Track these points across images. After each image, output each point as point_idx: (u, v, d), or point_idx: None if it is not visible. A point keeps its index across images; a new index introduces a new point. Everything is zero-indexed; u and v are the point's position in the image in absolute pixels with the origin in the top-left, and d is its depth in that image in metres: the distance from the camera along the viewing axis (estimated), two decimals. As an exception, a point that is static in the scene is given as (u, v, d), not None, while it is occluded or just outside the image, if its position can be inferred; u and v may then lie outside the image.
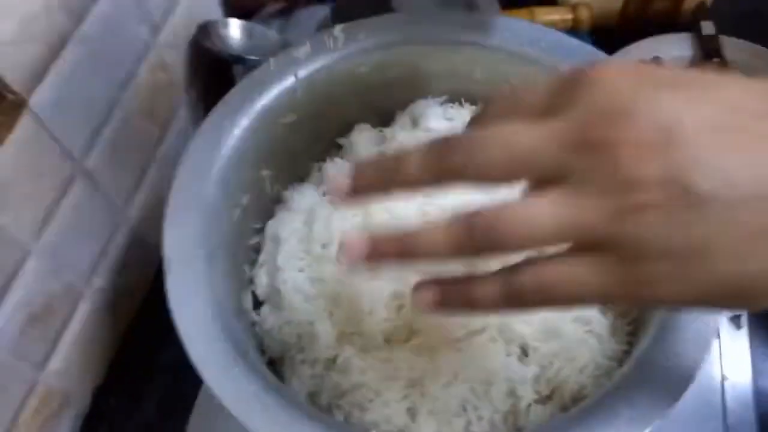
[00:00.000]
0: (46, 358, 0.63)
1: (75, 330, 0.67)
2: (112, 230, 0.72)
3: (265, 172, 0.68)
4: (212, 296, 0.53)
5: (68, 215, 0.63)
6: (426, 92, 0.75)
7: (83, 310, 0.68)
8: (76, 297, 0.67)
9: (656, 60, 0.93)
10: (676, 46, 0.95)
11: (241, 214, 0.64)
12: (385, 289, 0.58)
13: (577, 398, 0.54)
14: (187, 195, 0.58)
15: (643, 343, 0.50)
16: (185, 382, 0.69)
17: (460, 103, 0.75)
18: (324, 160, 0.75)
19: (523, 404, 0.54)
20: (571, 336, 0.55)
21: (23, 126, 0.55)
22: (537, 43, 0.68)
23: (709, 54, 0.93)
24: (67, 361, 0.66)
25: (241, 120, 0.64)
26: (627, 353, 0.54)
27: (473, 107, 0.75)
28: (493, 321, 0.57)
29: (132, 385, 0.74)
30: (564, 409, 0.54)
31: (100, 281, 0.71)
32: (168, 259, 0.54)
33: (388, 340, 0.57)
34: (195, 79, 0.86)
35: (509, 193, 0.32)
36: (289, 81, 0.67)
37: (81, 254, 0.67)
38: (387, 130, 0.75)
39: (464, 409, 0.54)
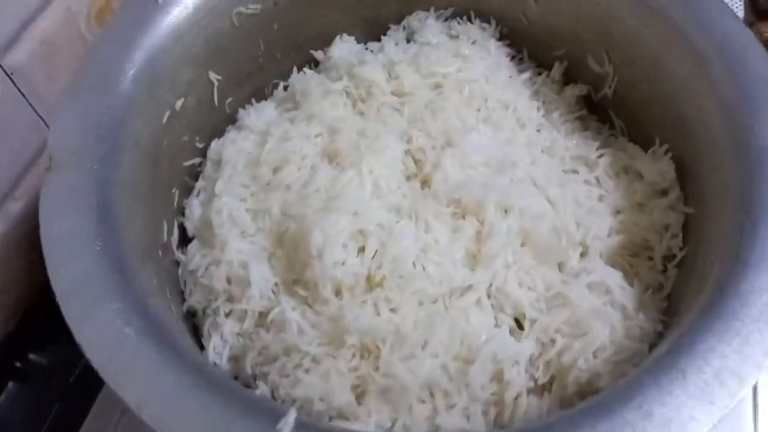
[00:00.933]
0: None
1: None
2: (38, 149, 0.58)
3: (212, 76, 0.54)
4: (101, 211, 0.39)
5: None
6: (427, 2, 0.60)
7: None
8: None
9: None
10: None
11: (173, 119, 0.50)
12: (344, 223, 0.44)
13: (585, 391, 0.39)
14: (94, 79, 0.44)
15: (686, 323, 0.36)
16: None
17: (469, 19, 0.60)
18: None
19: (511, 393, 0.39)
20: (584, 306, 0.41)
21: None
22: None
23: None
24: None
25: (183, -2, 0.50)
26: (661, 336, 0.40)
27: (485, 25, 0.60)
28: (481, 279, 0.43)
29: (53, 337, 0.59)
30: (566, 404, 0.40)
31: (16, 206, 0.57)
32: (52, 154, 0.40)
33: (339, 293, 0.43)
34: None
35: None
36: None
37: None
38: (374, 45, 0.61)
39: (430, 393, 0.40)
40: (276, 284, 0.46)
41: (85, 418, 0.54)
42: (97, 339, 0.33)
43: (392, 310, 0.42)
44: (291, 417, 0.31)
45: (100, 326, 0.34)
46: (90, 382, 0.56)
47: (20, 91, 0.54)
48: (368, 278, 0.43)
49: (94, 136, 0.42)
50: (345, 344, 0.40)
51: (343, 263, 0.43)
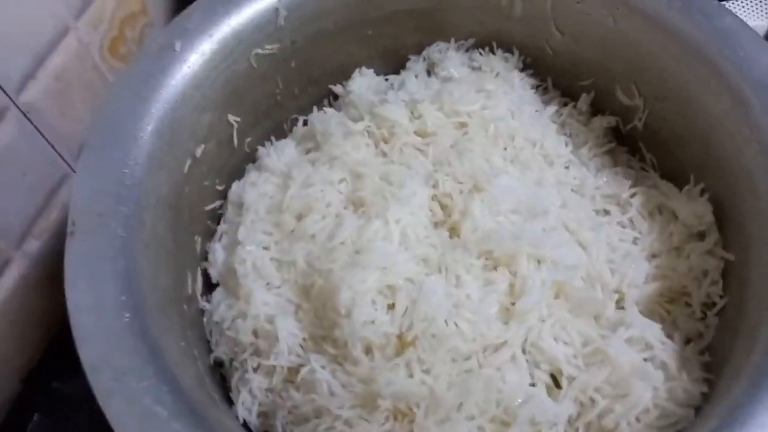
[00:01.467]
0: None
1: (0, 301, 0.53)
2: (55, 185, 0.57)
3: (231, 119, 0.53)
4: (126, 276, 0.38)
5: None
6: (448, 32, 0.59)
7: (12, 278, 0.54)
8: (2, 261, 0.52)
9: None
10: None
11: (194, 167, 0.49)
12: (373, 279, 0.42)
13: (629, 457, 0.38)
14: (112, 134, 0.43)
15: (736, 391, 0.34)
16: None
17: (491, 49, 0.59)
18: (312, 112, 0.59)
19: (550, 456, 0.38)
20: (624, 364, 0.39)
21: None
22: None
23: None
24: None
25: (201, 44, 0.48)
26: (705, 396, 0.38)
27: (508, 55, 0.58)
28: (515, 335, 0.41)
29: (74, 366, 0.59)
30: (607, 467, 0.38)
31: (34, 245, 0.56)
32: (72, 219, 0.39)
33: (370, 352, 0.42)
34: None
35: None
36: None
37: (10, 210, 0.52)
38: (394, 78, 0.59)
39: (468, 458, 0.39)
40: (304, 339, 0.45)
41: None
42: (127, 417, 0.33)
43: (425, 371, 0.41)
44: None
45: (129, 403, 0.33)
46: None
47: (37, 129, 0.53)
48: (399, 337, 0.42)
49: (115, 197, 0.41)
50: (378, 408, 0.39)
51: (373, 322, 0.42)
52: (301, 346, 0.44)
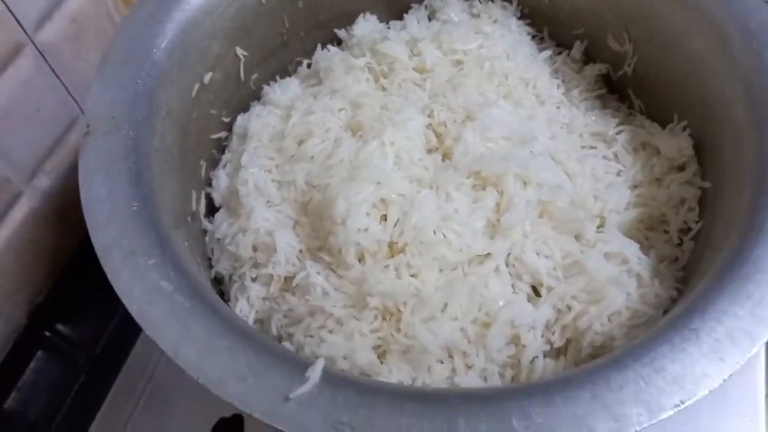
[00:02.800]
0: None
1: (8, 234, 0.55)
2: (68, 126, 0.59)
3: (239, 52, 0.55)
4: (136, 174, 0.41)
5: (10, 92, 0.51)
6: (450, -20, 0.61)
7: (22, 212, 0.56)
8: (13, 195, 0.55)
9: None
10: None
11: (202, 92, 0.52)
12: (367, 192, 0.45)
13: (599, 354, 0.40)
14: (128, 48, 0.46)
15: (700, 288, 0.37)
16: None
17: (491, -4, 0.61)
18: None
19: (527, 355, 0.41)
20: (601, 274, 0.42)
21: None
22: None
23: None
24: None
25: (213, -26, 0.51)
26: (675, 302, 0.41)
27: (506, 4, 0.61)
28: (499, 248, 0.44)
29: (80, 310, 0.62)
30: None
31: (45, 181, 0.58)
32: (88, 122, 0.42)
33: (362, 259, 0.45)
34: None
35: None
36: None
37: (23, 144, 0.55)
38: (396, 23, 0.62)
39: (449, 355, 0.41)
40: (301, 251, 0.47)
41: (108, 388, 0.56)
42: (135, 290, 0.35)
43: (413, 275, 0.43)
44: (319, 366, 0.33)
45: (137, 279, 0.36)
46: (113, 356, 0.59)
47: (51, 68, 0.55)
48: (390, 245, 0.44)
49: (128, 104, 0.44)
50: (367, 306, 0.42)
51: (366, 230, 0.44)
52: (298, 258, 0.47)
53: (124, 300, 0.35)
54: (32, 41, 0.52)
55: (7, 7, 0.48)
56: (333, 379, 0.33)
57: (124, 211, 0.38)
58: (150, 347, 0.57)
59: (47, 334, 0.61)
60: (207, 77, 0.52)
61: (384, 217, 0.45)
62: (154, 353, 0.58)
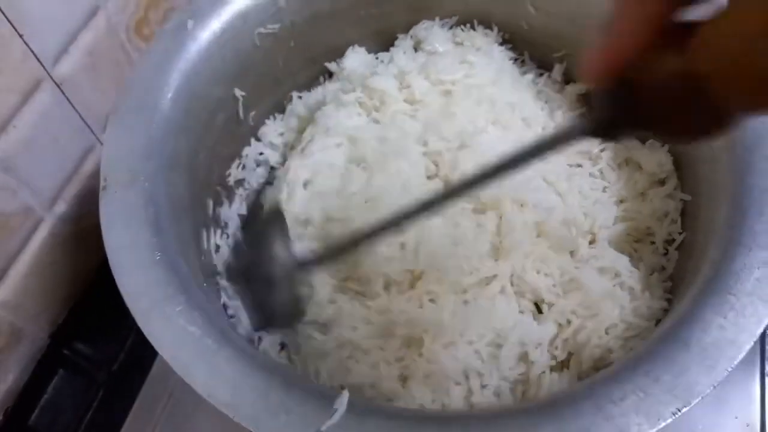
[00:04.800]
0: None
1: (31, 258, 0.57)
2: (84, 154, 0.61)
3: (237, 92, 0.58)
4: (155, 223, 0.43)
5: (31, 125, 0.53)
6: (433, 12, 0.64)
7: (42, 237, 0.58)
8: (34, 222, 0.57)
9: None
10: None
11: (206, 135, 0.54)
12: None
13: (599, 365, 0.44)
14: (137, 103, 0.48)
15: (687, 300, 0.40)
16: None
17: (472, 26, 0.64)
18: (309, 90, 0.64)
19: (535, 371, 0.44)
20: (595, 289, 0.45)
21: None
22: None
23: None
24: (20, 292, 0.57)
25: (211, 23, 0.54)
26: (666, 312, 0.44)
27: (488, 32, 0.64)
28: (504, 270, 0.47)
29: (98, 329, 0.64)
30: (583, 378, 0.44)
31: (64, 208, 0.61)
32: (104, 174, 0.44)
33: (388, 287, 0.47)
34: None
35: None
36: (270, -19, 0.56)
37: (44, 174, 0.57)
38: (384, 55, 0.65)
39: (466, 377, 0.44)
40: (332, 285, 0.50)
41: (129, 406, 0.59)
42: (165, 336, 0.38)
43: (432, 301, 0.46)
44: (344, 397, 0.35)
45: (166, 325, 0.38)
46: (132, 374, 0.61)
47: (68, 100, 0.57)
48: (411, 272, 0.47)
49: (142, 155, 0.46)
50: (394, 335, 0.45)
51: (392, 259, 0.47)
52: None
53: (156, 345, 0.37)
54: (50, 76, 0.54)
55: (27, 46, 0.50)
56: (358, 408, 0.35)
57: (147, 261, 0.41)
58: (169, 366, 0.61)
59: (67, 353, 0.63)
60: (210, 120, 0.55)
61: (402, 246, 0.48)
62: (174, 372, 0.60)
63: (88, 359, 0.63)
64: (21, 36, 0.50)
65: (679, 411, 0.34)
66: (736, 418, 0.50)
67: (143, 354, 0.61)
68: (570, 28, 0.60)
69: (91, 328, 0.63)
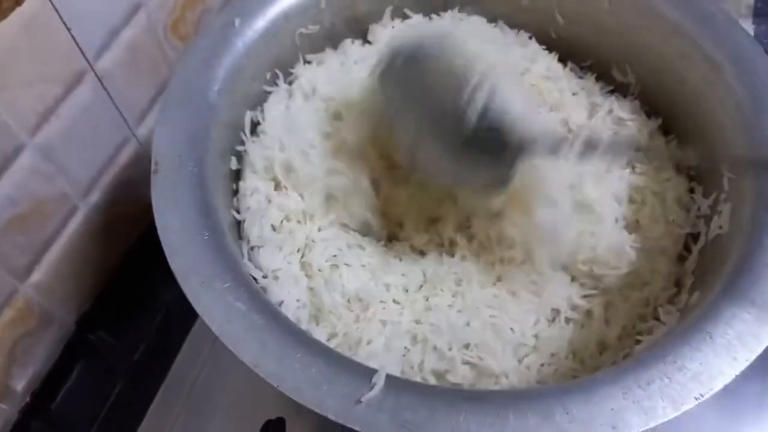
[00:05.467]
0: (29, 267, 0.56)
1: (64, 244, 0.60)
2: (119, 146, 0.64)
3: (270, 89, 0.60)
4: (203, 205, 0.45)
5: (72, 115, 0.55)
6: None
7: (75, 224, 0.61)
8: (70, 209, 0.59)
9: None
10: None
11: (242, 128, 0.56)
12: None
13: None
14: (186, 93, 0.51)
15: (711, 297, 0.42)
16: (178, 321, 0.65)
17: (502, 34, 0.67)
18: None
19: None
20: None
21: (32, 2, 0.48)
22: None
23: None
24: (52, 276, 0.59)
25: (256, 22, 0.56)
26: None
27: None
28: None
29: (121, 319, 0.66)
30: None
31: (97, 197, 0.63)
32: (155, 158, 0.47)
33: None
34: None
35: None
36: (313, -15, 0.59)
37: (80, 163, 0.59)
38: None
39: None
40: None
41: (151, 397, 0.61)
42: (214, 311, 0.40)
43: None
44: (383, 373, 0.37)
45: (215, 301, 0.40)
46: (154, 365, 0.63)
47: (108, 94, 0.59)
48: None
49: (189, 143, 0.48)
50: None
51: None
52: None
53: (206, 319, 0.39)
54: (93, 69, 0.57)
55: (74, 40, 0.53)
56: (396, 384, 0.37)
57: (196, 240, 0.43)
58: (192, 358, 0.63)
59: (92, 339, 0.65)
60: (250, 114, 0.57)
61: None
62: (196, 364, 0.63)
63: (111, 348, 0.65)
64: (69, 29, 0.52)
65: (702, 396, 0.36)
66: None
67: (168, 346, 0.64)
68: (597, 39, 0.62)
69: (115, 317, 0.66)
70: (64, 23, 0.52)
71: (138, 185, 0.67)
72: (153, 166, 0.47)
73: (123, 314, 0.66)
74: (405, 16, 0.65)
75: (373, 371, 0.38)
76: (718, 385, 0.36)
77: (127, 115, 0.63)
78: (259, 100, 0.58)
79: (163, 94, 0.51)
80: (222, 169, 0.52)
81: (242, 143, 0.55)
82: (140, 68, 0.63)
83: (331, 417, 0.36)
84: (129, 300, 0.67)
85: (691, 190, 0.54)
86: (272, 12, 0.57)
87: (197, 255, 0.42)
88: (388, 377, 0.37)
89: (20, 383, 0.58)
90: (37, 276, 0.57)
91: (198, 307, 0.40)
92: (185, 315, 0.65)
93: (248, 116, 0.56)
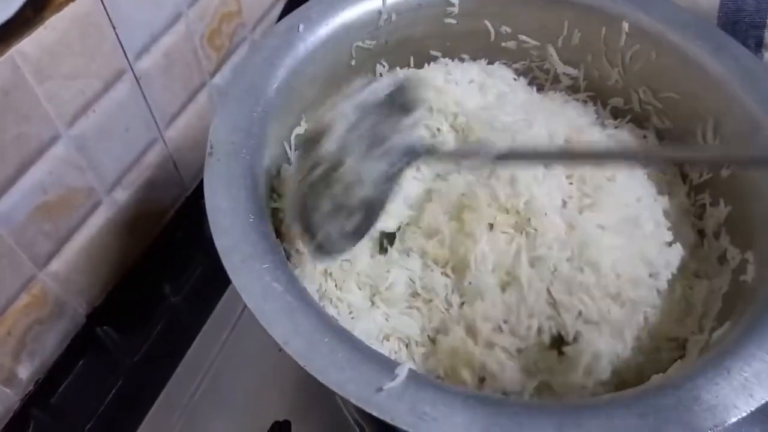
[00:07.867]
0: (50, 256, 0.57)
1: (85, 237, 0.61)
2: (146, 146, 0.66)
3: (328, 101, 0.63)
4: (252, 190, 0.48)
5: (108, 111, 0.58)
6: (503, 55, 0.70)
7: (98, 219, 0.63)
8: (94, 203, 0.61)
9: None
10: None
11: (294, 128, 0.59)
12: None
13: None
14: (246, 87, 0.54)
15: (732, 336, 0.43)
16: (183, 328, 0.67)
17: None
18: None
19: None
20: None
21: (83, 2, 0.51)
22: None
23: None
24: (70, 267, 0.60)
25: (319, 29, 0.60)
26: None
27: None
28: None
29: (129, 318, 0.68)
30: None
31: (122, 194, 0.65)
32: (212, 142, 0.50)
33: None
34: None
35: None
36: (376, 2, 0.62)
37: (110, 159, 0.61)
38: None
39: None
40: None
41: (147, 396, 0.62)
42: (251, 288, 0.41)
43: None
44: (406, 366, 0.39)
45: (253, 279, 0.42)
46: (157, 365, 0.65)
47: (143, 94, 0.62)
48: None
49: (245, 132, 0.51)
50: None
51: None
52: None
53: (243, 295, 0.41)
54: (132, 69, 0.60)
55: (119, 39, 0.56)
56: (417, 378, 0.39)
57: (242, 222, 0.45)
58: (199, 359, 0.64)
59: (100, 334, 0.66)
60: (302, 116, 0.60)
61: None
62: (203, 365, 0.64)
63: (116, 345, 0.67)
64: (115, 29, 0.55)
65: (716, 427, 0.36)
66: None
67: (175, 347, 0.65)
68: (642, 85, 0.64)
69: (123, 315, 0.67)
70: (112, 23, 0.55)
71: (160, 187, 0.70)
72: (208, 149, 0.49)
73: (131, 314, 0.68)
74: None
75: (396, 364, 0.39)
76: (732, 419, 0.37)
77: (158, 117, 0.65)
78: (312, 103, 0.61)
79: (226, 88, 0.53)
80: (269, 162, 0.54)
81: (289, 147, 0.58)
82: (175, 74, 0.66)
83: (352, 401, 0.37)
84: (139, 300, 0.69)
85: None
86: (334, 22, 0.60)
87: (241, 235, 0.44)
88: (411, 371, 0.39)
89: (26, 371, 0.58)
90: (56, 265, 0.58)
91: (237, 284, 0.42)
92: (193, 319, 0.67)
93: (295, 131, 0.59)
